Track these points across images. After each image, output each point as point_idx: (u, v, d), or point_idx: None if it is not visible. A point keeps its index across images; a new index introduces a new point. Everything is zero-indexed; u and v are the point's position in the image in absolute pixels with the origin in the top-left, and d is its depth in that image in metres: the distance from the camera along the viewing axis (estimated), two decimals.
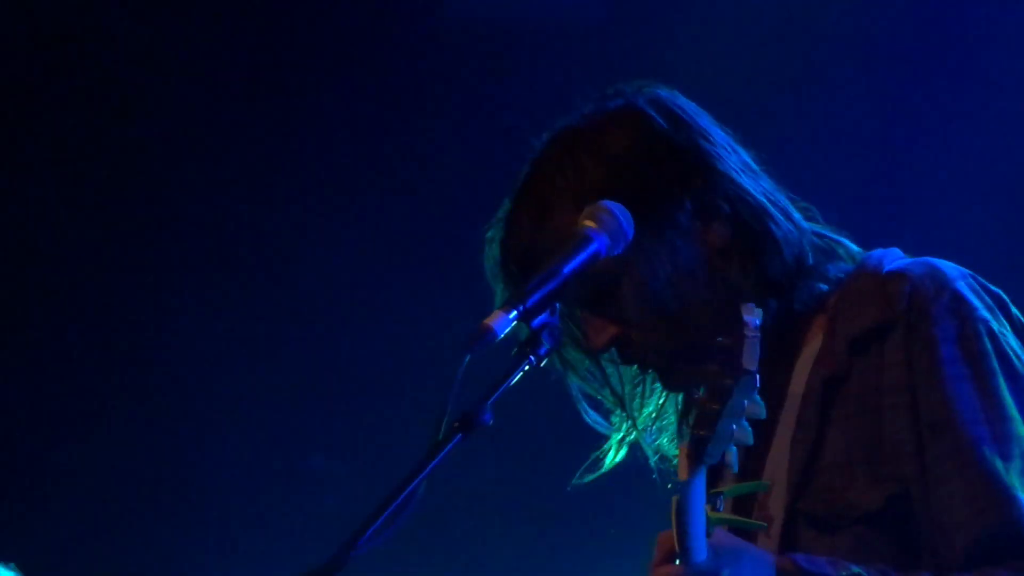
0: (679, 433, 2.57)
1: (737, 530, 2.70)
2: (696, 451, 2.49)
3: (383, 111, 5.84)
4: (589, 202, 2.78)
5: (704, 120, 2.96)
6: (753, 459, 2.83)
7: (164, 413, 5.85)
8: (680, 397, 3.07)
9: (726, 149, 2.94)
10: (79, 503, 5.84)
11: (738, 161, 2.94)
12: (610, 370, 3.03)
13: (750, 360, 2.49)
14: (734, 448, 2.52)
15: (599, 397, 3.05)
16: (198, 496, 5.85)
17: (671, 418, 3.08)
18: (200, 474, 5.86)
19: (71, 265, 5.82)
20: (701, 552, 2.50)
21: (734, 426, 2.50)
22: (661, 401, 3.07)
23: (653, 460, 3.09)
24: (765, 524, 2.74)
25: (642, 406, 3.07)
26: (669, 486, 3.11)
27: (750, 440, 2.52)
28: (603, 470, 3.07)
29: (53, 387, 5.85)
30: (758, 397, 2.51)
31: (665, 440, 3.09)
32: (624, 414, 3.04)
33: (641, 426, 3.06)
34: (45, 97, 5.80)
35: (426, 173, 5.82)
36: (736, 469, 2.55)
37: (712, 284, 2.88)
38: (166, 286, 5.86)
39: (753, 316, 2.51)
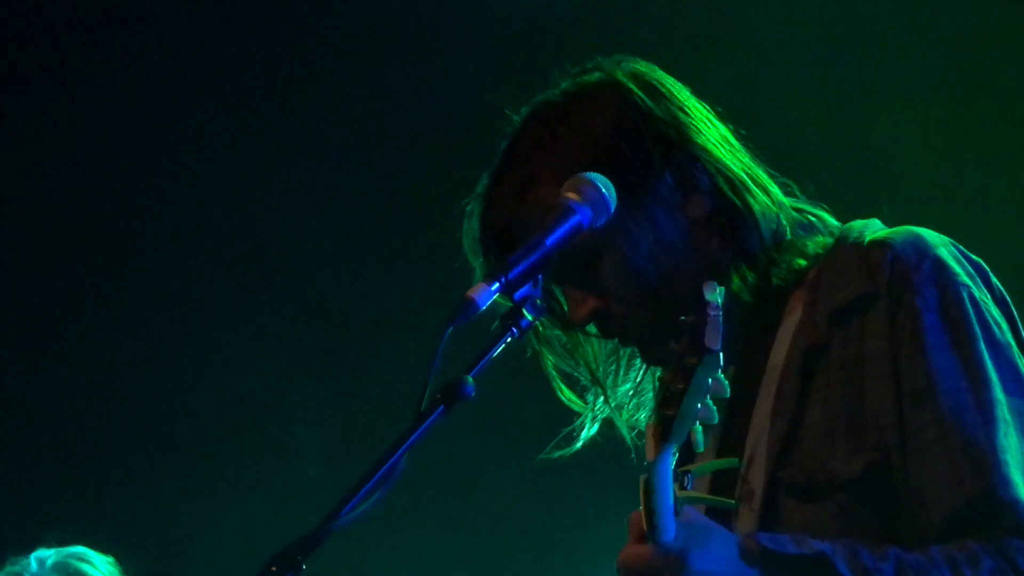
0: (652, 413, 2.57)
1: (714, 507, 2.71)
2: (662, 430, 2.49)
3: (367, 76, 5.83)
4: (570, 176, 2.79)
5: (682, 93, 2.97)
6: (733, 433, 2.84)
7: (147, 383, 5.85)
8: (658, 374, 3.07)
9: (705, 123, 2.95)
10: (63, 467, 5.84)
11: (717, 135, 2.95)
12: (586, 347, 3.04)
13: (712, 339, 2.49)
14: (699, 427, 2.51)
15: (575, 374, 3.05)
16: (180, 466, 5.86)
17: (650, 394, 3.08)
18: (182, 444, 5.86)
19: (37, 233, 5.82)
20: (670, 531, 2.49)
21: (699, 405, 2.50)
22: (639, 378, 3.07)
23: (629, 437, 3.09)
24: (734, 501, 2.74)
25: (617, 383, 3.07)
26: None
27: (715, 419, 2.51)
28: (576, 446, 3.08)
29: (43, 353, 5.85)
30: (722, 376, 2.51)
31: (643, 416, 3.09)
32: (599, 390, 3.05)
33: (617, 403, 3.06)
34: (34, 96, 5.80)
35: (403, 149, 5.82)
36: (702, 448, 2.54)
37: (692, 257, 2.89)
38: (147, 251, 5.86)
39: (715, 294, 2.51)
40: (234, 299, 5.87)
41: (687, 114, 2.94)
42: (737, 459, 2.76)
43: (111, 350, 5.88)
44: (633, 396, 3.08)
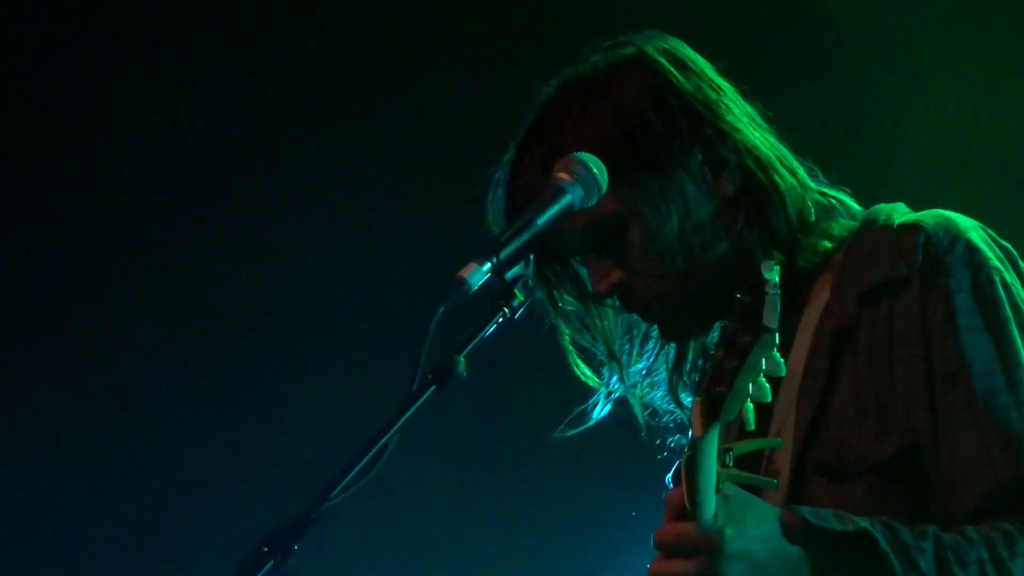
0: (697, 390, 2.54)
1: (744, 485, 2.69)
2: (711, 408, 2.46)
3: (377, 47, 5.81)
4: (600, 150, 2.79)
5: (711, 71, 2.97)
6: (758, 414, 2.82)
7: (137, 365, 5.85)
8: (671, 354, 3.07)
9: (733, 101, 2.95)
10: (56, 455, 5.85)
11: (744, 113, 2.95)
12: (602, 323, 3.03)
13: (771, 317, 2.45)
14: (751, 405, 2.49)
15: (592, 349, 3.05)
16: (171, 449, 5.86)
17: (663, 374, 3.08)
18: (173, 428, 5.86)
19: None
20: (710, 508, 2.47)
21: (751, 384, 2.47)
22: (651, 358, 3.07)
23: (642, 417, 3.09)
24: (775, 480, 2.70)
25: (631, 362, 3.07)
26: (671, 443, 3.12)
27: (768, 397, 2.48)
28: (589, 423, 3.08)
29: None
30: (778, 355, 2.47)
31: (658, 396, 3.09)
32: (615, 366, 3.04)
33: (631, 381, 3.06)
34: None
35: (407, 123, 5.80)
36: (753, 426, 2.51)
37: (719, 235, 2.88)
38: (134, 231, 5.85)
39: (772, 273, 2.48)
40: (224, 281, 5.86)
41: (716, 91, 2.94)
42: (780, 440, 2.74)
43: (99, 328, 5.87)
44: (647, 375, 3.08)
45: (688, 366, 3.09)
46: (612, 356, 3.04)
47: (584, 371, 3.06)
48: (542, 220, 2.67)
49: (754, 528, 2.51)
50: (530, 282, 2.65)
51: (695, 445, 2.46)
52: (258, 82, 5.71)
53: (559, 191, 2.71)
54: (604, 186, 2.77)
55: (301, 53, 5.71)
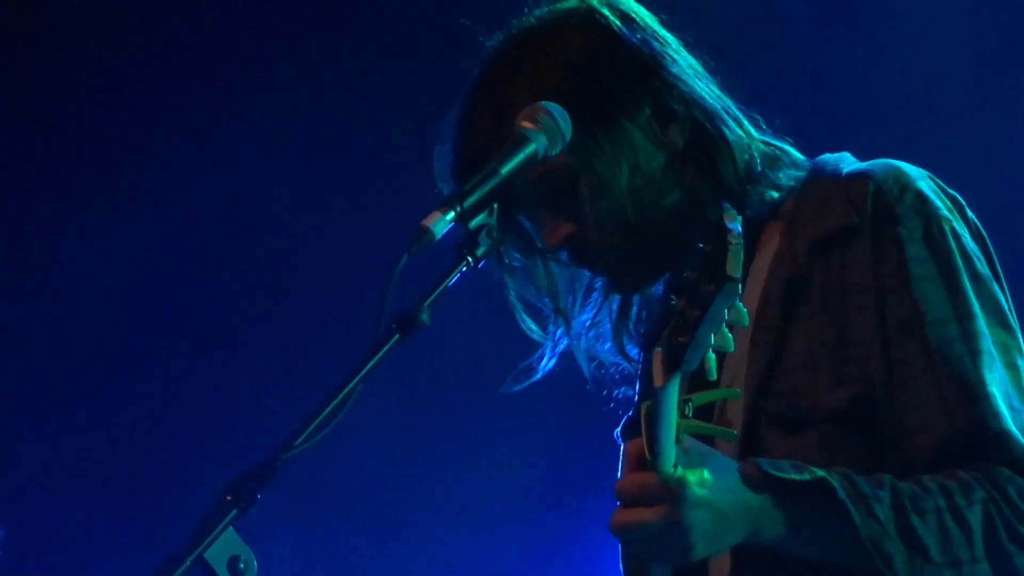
0: (657, 340, 2.53)
1: (701, 436, 2.69)
2: (673, 358, 2.44)
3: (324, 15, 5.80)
4: (547, 102, 2.77)
5: (655, 23, 2.97)
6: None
7: (101, 314, 5.84)
8: (614, 306, 3.07)
9: (679, 53, 2.95)
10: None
11: (690, 65, 2.95)
12: (547, 278, 3.03)
13: (734, 267, 2.44)
14: (713, 355, 2.48)
15: (538, 304, 3.04)
16: (135, 394, 5.85)
17: (607, 326, 3.08)
18: (138, 374, 5.85)
19: None
20: (671, 458, 2.47)
21: (713, 333, 2.46)
22: (595, 309, 3.07)
23: (587, 369, 3.09)
24: (735, 432, 2.71)
25: (574, 315, 3.06)
26: (617, 395, 3.12)
27: (731, 347, 2.47)
28: (536, 377, 3.08)
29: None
30: (741, 304, 2.46)
31: (604, 348, 3.09)
32: (561, 320, 3.04)
33: (576, 333, 3.06)
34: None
35: (362, 83, 5.79)
36: (716, 376, 2.50)
37: (669, 187, 2.88)
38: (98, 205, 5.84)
39: (736, 222, 2.48)
40: (190, 233, 5.85)
41: (661, 43, 2.93)
42: (739, 391, 2.73)
43: (66, 270, 5.85)
44: (591, 327, 3.08)
45: (633, 317, 3.09)
46: (558, 310, 3.04)
47: (531, 326, 3.05)
48: (506, 169, 2.66)
49: (715, 478, 2.52)
50: (494, 231, 2.65)
51: (656, 395, 2.45)
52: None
53: (523, 139, 2.70)
54: (568, 135, 2.76)
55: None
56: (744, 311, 2.47)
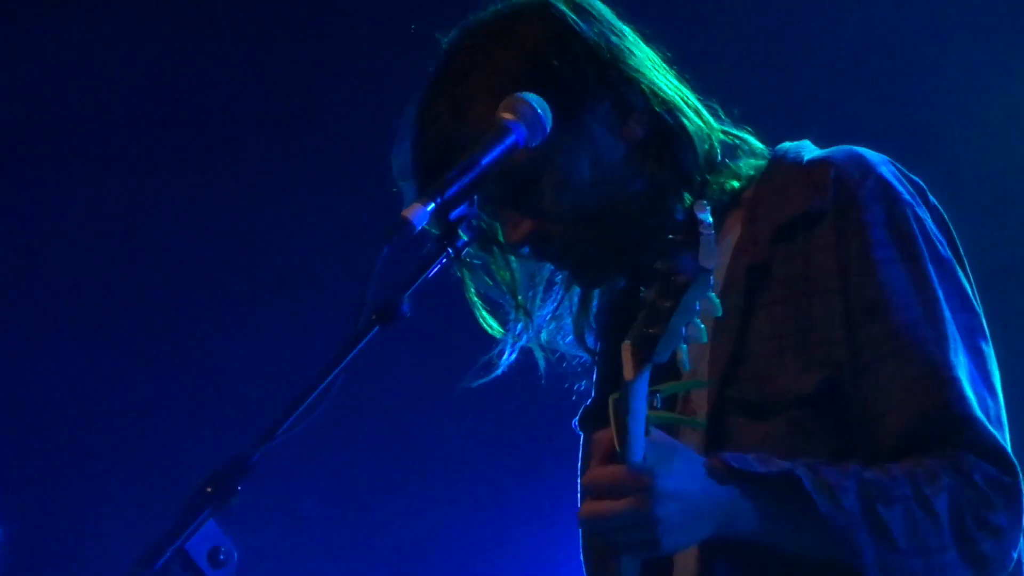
0: (624, 332, 2.53)
1: (666, 427, 2.71)
2: (644, 349, 2.45)
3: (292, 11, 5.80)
4: (507, 94, 2.77)
5: (612, 16, 2.97)
6: None
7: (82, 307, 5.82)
8: (575, 299, 3.07)
9: (636, 45, 2.95)
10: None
11: (647, 57, 2.95)
12: (506, 273, 3.04)
13: (707, 257, 2.45)
14: (685, 346, 2.49)
15: (499, 300, 3.05)
16: (115, 386, 5.83)
17: (568, 319, 3.09)
18: (117, 367, 5.83)
19: None
20: (639, 452, 2.48)
21: (685, 324, 2.46)
22: (555, 303, 3.08)
23: (543, 364, 3.09)
24: (704, 422, 2.73)
25: (534, 309, 3.07)
26: (578, 388, 3.12)
27: (704, 338, 2.49)
28: (497, 372, 3.08)
29: None
30: (713, 295, 2.47)
31: (564, 341, 3.10)
32: (523, 316, 3.04)
33: (536, 328, 3.06)
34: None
35: (333, 78, 5.79)
36: (687, 367, 2.52)
37: (631, 178, 2.88)
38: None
39: (706, 213, 2.47)
40: (173, 222, 5.84)
41: (619, 36, 2.94)
42: (708, 380, 2.75)
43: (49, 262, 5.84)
44: (551, 320, 3.08)
45: (593, 309, 3.10)
46: (518, 306, 3.04)
47: (490, 323, 3.06)
48: (487, 160, 2.65)
49: (684, 470, 2.53)
50: (474, 222, 2.65)
51: (626, 387, 2.46)
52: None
53: (504, 130, 2.70)
54: (549, 126, 2.76)
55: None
56: (717, 302, 2.48)
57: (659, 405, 2.52)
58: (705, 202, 2.51)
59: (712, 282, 2.47)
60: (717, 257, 2.47)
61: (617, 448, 2.48)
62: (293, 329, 5.71)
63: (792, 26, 5.59)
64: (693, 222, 2.47)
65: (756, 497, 2.58)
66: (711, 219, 2.47)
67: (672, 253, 2.47)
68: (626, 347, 2.47)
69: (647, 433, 2.48)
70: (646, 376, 2.46)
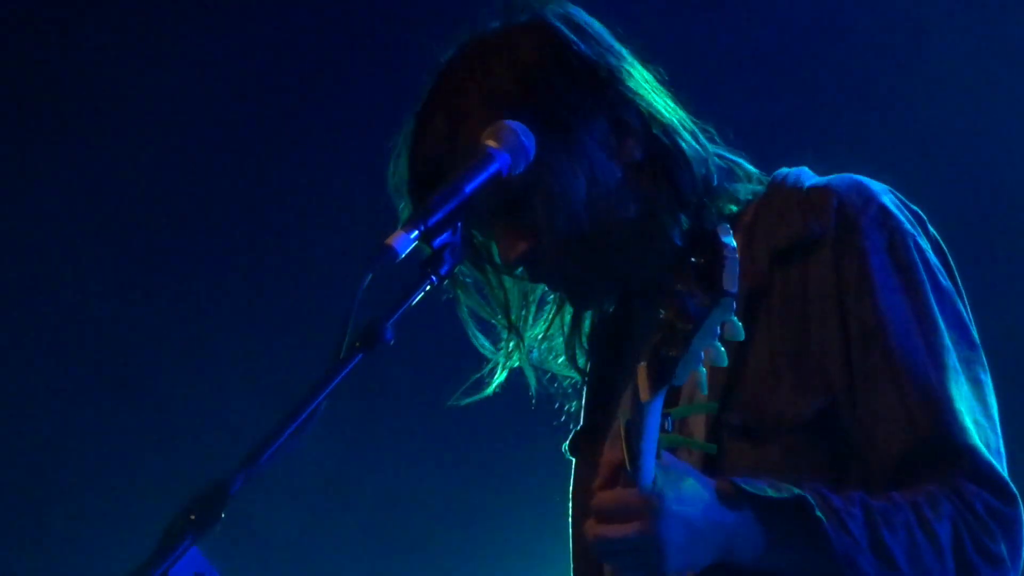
0: (644, 354, 2.51)
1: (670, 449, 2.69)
2: (661, 372, 2.43)
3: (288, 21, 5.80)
4: (503, 113, 2.77)
5: (610, 36, 2.96)
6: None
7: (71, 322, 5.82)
8: (567, 319, 3.07)
9: (633, 66, 2.94)
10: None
11: (644, 78, 2.94)
12: (499, 293, 3.03)
13: (731, 281, 2.42)
14: (703, 369, 2.47)
15: (491, 320, 3.05)
16: (104, 404, 5.83)
17: (559, 339, 3.08)
18: (106, 385, 5.83)
19: None
20: (649, 475, 2.47)
21: (704, 348, 2.45)
22: (547, 322, 3.07)
23: (534, 385, 3.09)
24: (715, 446, 2.72)
25: (526, 329, 3.06)
26: (568, 408, 3.12)
27: (724, 362, 2.47)
28: (487, 392, 3.07)
29: None
30: (735, 318, 2.45)
31: (559, 361, 3.09)
32: (514, 336, 3.04)
33: (528, 347, 3.06)
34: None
35: (325, 96, 5.79)
36: (705, 391, 2.52)
37: (627, 200, 2.87)
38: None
39: (729, 236, 2.45)
40: (159, 241, 5.84)
41: (616, 57, 2.93)
42: (716, 404, 2.73)
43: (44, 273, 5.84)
44: (543, 340, 3.08)
45: (586, 330, 3.09)
46: (511, 326, 3.04)
47: (482, 342, 3.05)
48: (470, 188, 2.64)
49: (692, 495, 2.53)
50: (458, 249, 2.65)
51: (641, 409, 2.45)
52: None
53: (487, 158, 2.69)
54: (532, 154, 2.75)
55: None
56: (739, 326, 2.46)
57: (670, 428, 2.51)
58: (727, 225, 2.49)
59: (735, 306, 2.44)
60: (736, 283, 2.43)
61: (628, 470, 2.48)
62: (275, 356, 5.70)
63: (785, 48, 5.59)
64: (716, 244, 2.44)
65: (764, 522, 2.57)
66: (735, 243, 2.45)
67: (693, 275, 2.45)
68: (642, 368, 2.45)
69: (658, 456, 2.48)
70: (661, 398, 2.45)
